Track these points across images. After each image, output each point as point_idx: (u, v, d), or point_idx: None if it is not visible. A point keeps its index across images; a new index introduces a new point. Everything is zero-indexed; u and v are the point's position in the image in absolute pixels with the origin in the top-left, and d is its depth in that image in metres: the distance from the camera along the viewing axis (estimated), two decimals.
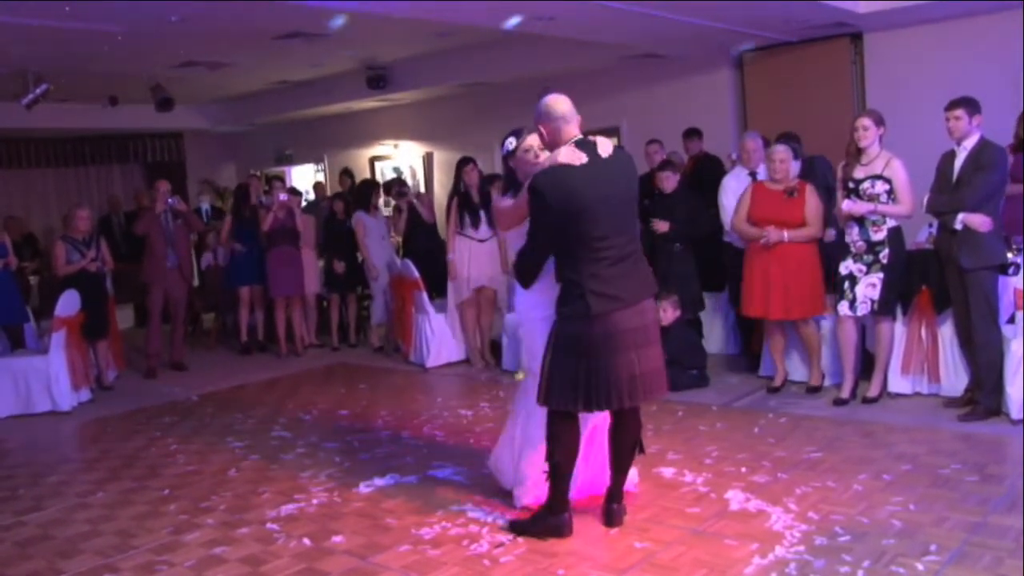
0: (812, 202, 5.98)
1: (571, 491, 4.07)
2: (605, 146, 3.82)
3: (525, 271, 3.98)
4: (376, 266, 8.82)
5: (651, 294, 3.92)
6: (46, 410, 7.11)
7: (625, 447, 3.99)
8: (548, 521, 3.93)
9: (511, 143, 4.19)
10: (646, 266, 3.97)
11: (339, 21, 6.81)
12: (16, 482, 5.39)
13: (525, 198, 3.84)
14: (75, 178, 13.70)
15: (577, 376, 3.74)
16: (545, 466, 3.91)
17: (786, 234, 5.96)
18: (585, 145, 3.77)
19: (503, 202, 4.23)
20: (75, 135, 12.93)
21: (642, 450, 4.09)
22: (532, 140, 4.07)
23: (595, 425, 4.16)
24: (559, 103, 3.83)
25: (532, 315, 4.11)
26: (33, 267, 10.55)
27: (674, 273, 6.95)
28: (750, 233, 6.13)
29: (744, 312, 6.38)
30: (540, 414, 4.04)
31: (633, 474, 4.42)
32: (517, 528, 4.00)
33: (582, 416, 3.96)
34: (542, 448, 4.03)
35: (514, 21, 6.55)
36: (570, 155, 3.72)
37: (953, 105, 5.27)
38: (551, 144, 3.85)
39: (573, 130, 3.82)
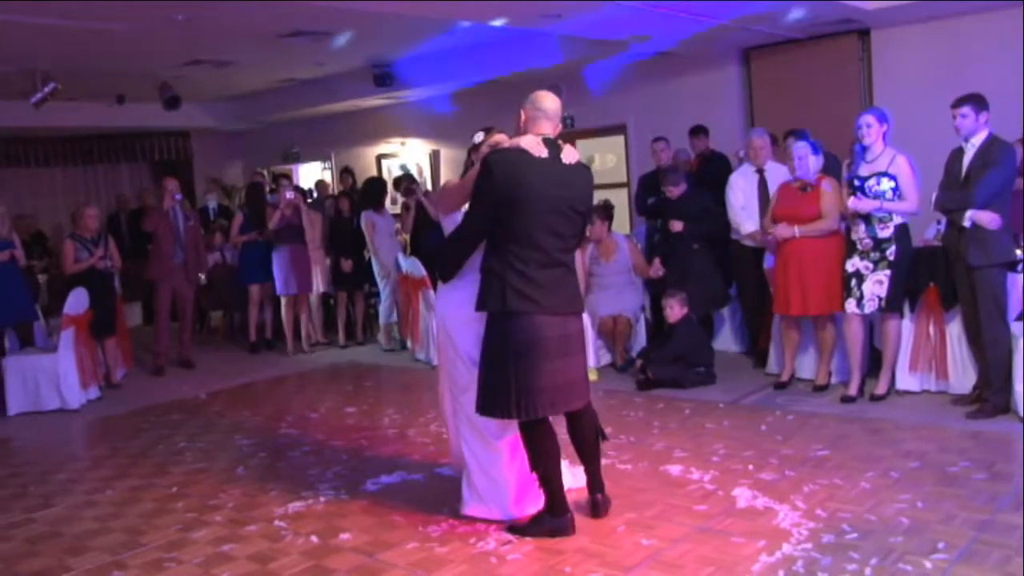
0: (827, 195, 5.95)
1: (511, 510, 4.08)
2: (570, 153, 3.83)
3: (451, 255, 3.95)
4: (384, 265, 8.82)
5: (577, 310, 3.91)
6: (55, 408, 7.14)
7: (587, 441, 4.02)
8: (549, 523, 3.92)
9: (479, 136, 4.19)
10: (575, 283, 3.93)
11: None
12: (25, 479, 5.42)
13: (472, 177, 3.83)
14: (83, 177, 13.74)
15: (507, 381, 3.71)
16: (535, 476, 3.91)
17: (796, 229, 5.95)
18: (551, 144, 3.78)
19: (449, 181, 4.15)
20: (83, 134, 12.96)
21: (604, 437, 4.12)
22: (501, 137, 4.09)
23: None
24: (548, 99, 3.86)
25: (457, 315, 4.02)
26: (42, 265, 10.59)
27: (694, 271, 6.96)
28: (768, 231, 6.16)
29: (774, 310, 6.37)
30: (477, 434, 4.04)
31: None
32: (517, 531, 3.98)
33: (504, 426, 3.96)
34: (498, 467, 4.05)
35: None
36: (532, 144, 3.74)
37: (959, 102, 5.25)
38: (523, 130, 3.85)
39: (546, 128, 3.83)
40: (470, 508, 4.17)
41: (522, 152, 3.71)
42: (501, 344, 3.73)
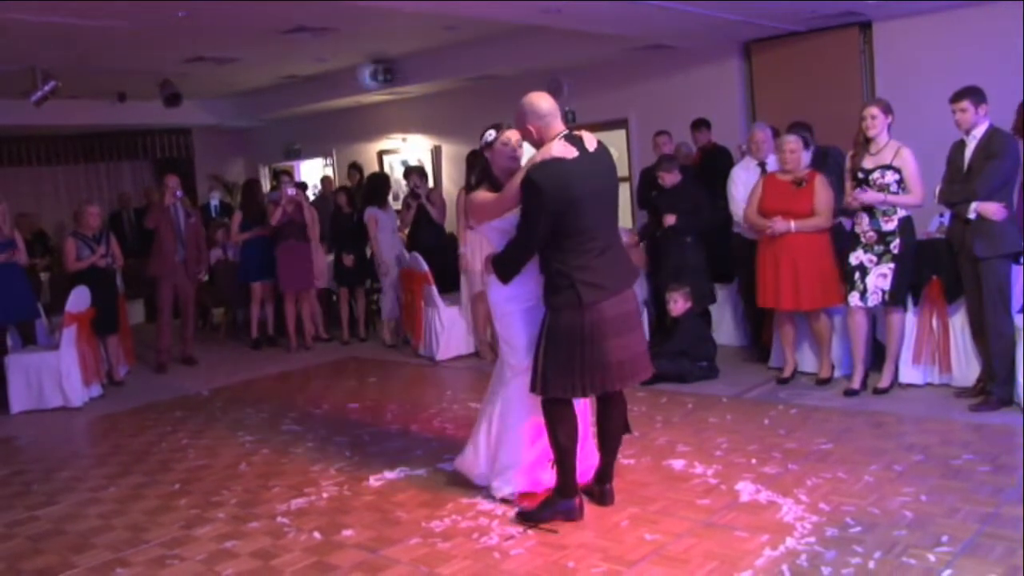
0: (821, 192, 5.94)
1: (523, 486, 4.20)
2: (590, 140, 3.91)
3: (511, 265, 4.00)
4: (386, 261, 8.81)
5: (632, 284, 4.02)
6: (58, 405, 7.15)
7: (614, 429, 4.09)
8: (559, 506, 3.96)
9: (491, 135, 4.19)
10: (626, 256, 4.09)
11: None
12: (28, 477, 5.42)
13: (512, 192, 3.89)
14: (84, 175, 13.75)
15: (572, 364, 3.81)
16: (551, 454, 3.98)
17: (792, 224, 5.94)
18: (573, 139, 3.84)
19: (480, 195, 4.18)
20: (84, 132, 12.97)
21: (629, 430, 4.17)
22: (512, 134, 4.11)
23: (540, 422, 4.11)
24: (543, 100, 3.90)
25: (511, 307, 4.14)
26: (44, 264, 10.60)
27: (687, 266, 6.94)
28: (759, 224, 6.11)
29: (758, 303, 6.36)
30: (517, 403, 4.14)
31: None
32: (525, 517, 4.01)
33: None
34: (521, 434, 4.16)
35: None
36: (562, 149, 3.79)
37: (958, 97, 5.24)
38: (539, 141, 3.90)
39: (559, 125, 3.90)
40: (501, 487, 4.26)
41: (557, 160, 3.76)
42: (568, 331, 3.81)
